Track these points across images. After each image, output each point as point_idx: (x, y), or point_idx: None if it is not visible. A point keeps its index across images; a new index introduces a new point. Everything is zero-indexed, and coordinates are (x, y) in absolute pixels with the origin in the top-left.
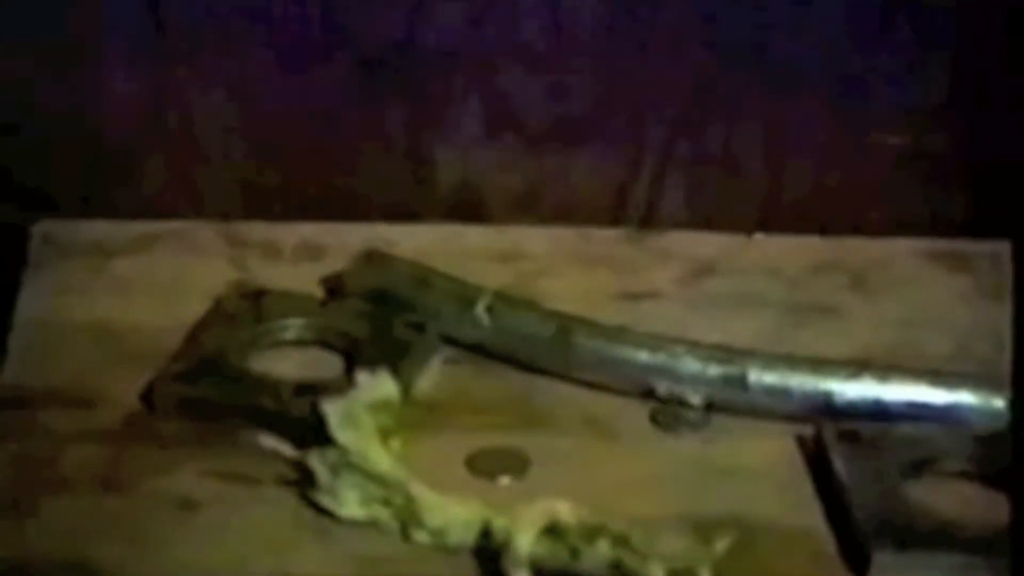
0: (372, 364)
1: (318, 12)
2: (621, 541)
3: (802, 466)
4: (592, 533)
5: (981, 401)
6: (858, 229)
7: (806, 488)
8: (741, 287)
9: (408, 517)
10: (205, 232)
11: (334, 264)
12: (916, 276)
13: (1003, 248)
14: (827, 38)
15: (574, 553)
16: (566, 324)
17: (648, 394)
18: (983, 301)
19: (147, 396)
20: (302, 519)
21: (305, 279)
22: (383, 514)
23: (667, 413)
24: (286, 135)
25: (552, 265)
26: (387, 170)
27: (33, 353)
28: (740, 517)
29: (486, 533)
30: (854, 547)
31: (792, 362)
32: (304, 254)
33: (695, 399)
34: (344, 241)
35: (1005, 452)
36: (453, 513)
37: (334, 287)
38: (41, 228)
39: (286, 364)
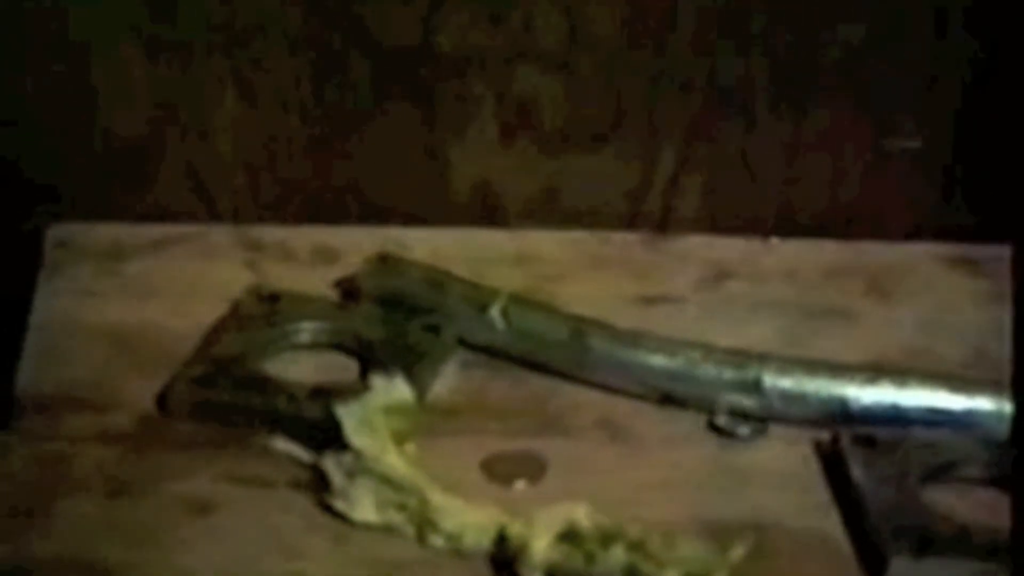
0: (387, 367)
1: (335, 14)
2: (637, 546)
3: (818, 471)
4: (608, 538)
5: (998, 406)
6: (875, 233)
7: (823, 493)
8: (757, 291)
9: (423, 521)
10: (220, 235)
11: (349, 267)
12: (933, 280)
13: None
14: (844, 41)
15: (590, 558)
16: (581, 327)
17: (665, 398)
18: (999, 306)
19: (162, 399)
20: (316, 523)
21: (320, 282)
22: (398, 518)
23: (728, 422)
24: (301, 137)
25: (568, 268)
26: (403, 173)
27: (48, 356)
28: (756, 522)
29: (501, 538)
30: (871, 552)
31: (808, 367)
32: (319, 257)
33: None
34: (359, 244)
35: None
36: (468, 517)
37: (349, 290)
38: (55, 231)
39: (301, 367)
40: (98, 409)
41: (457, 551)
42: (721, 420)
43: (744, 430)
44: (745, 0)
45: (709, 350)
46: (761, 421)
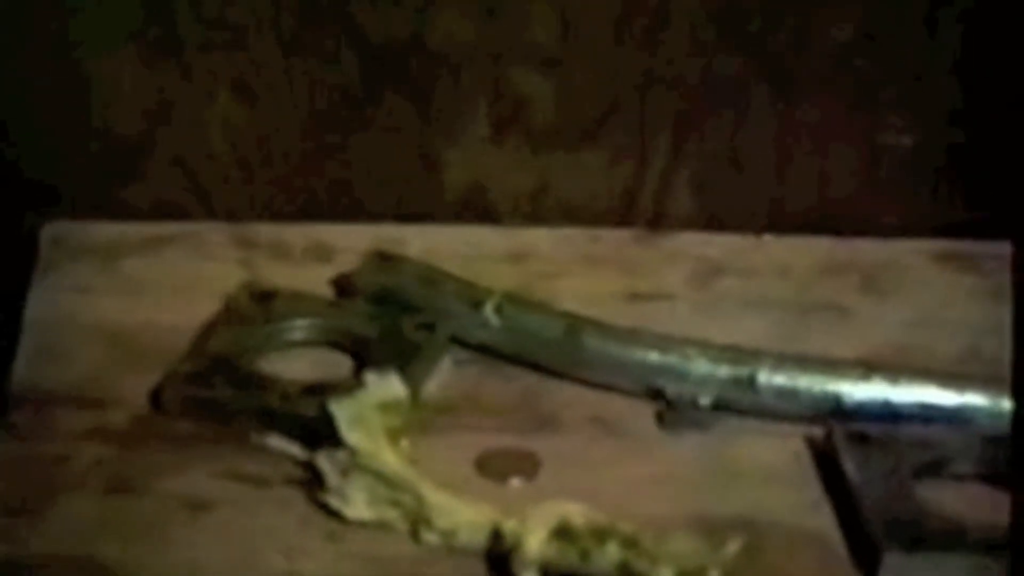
0: (381, 365)
1: (327, 11)
2: (631, 543)
3: (812, 467)
4: (602, 535)
5: (991, 402)
6: (868, 230)
7: (816, 489)
8: (750, 288)
9: (417, 518)
10: (214, 233)
11: (343, 265)
12: (926, 277)
13: None
14: (835, 37)
15: (583, 555)
16: (575, 325)
17: (657, 395)
18: (993, 302)
19: (156, 397)
20: (311, 520)
21: (314, 280)
22: (392, 515)
23: (673, 413)
24: (295, 135)
25: (561, 266)
26: (396, 170)
27: (43, 354)
28: (750, 518)
29: (495, 534)
30: (864, 548)
31: (802, 363)
32: (313, 255)
33: (704, 400)
34: (353, 242)
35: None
36: (462, 514)
37: (343, 288)
38: (50, 229)
39: (295, 365)
40: (93, 406)
41: (451, 548)
42: (666, 417)
43: (692, 427)
44: None
45: (703, 347)
46: (714, 409)
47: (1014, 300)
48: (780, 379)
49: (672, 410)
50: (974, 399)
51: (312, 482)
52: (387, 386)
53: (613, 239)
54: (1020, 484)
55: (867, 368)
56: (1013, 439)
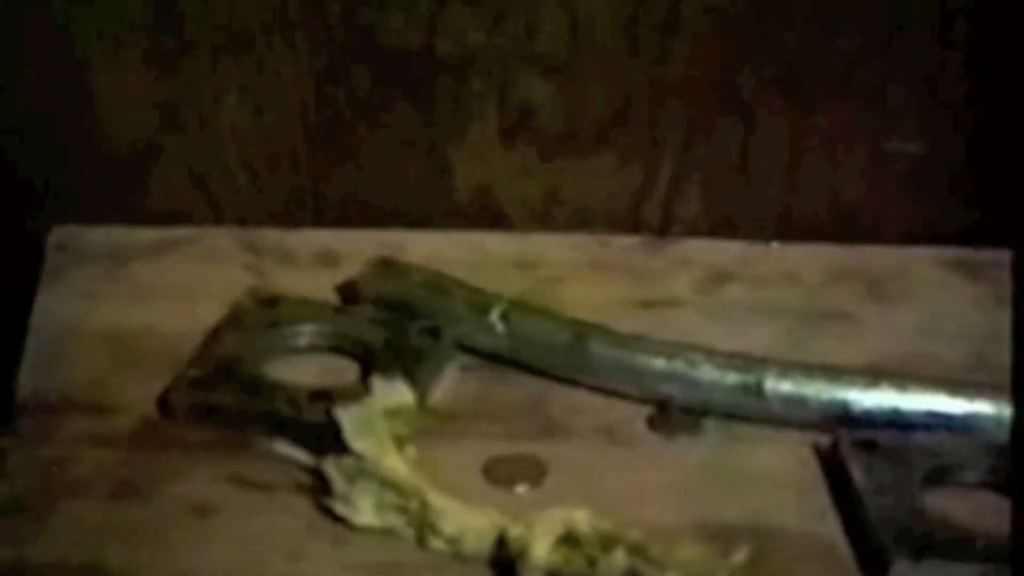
0: (387, 371)
1: (336, 17)
2: (638, 550)
3: (819, 474)
4: (608, 542)
5: (998, 410)
6: (875, 237)
7: (823, 497)
8: (758, 295)
9: (423, 525)
10: (221, 238)
11: (350, 271)
12: (933, 284)
13: None
14: (844, 44)
15: (590, 562)
16: (582, 331)
17: (663, 402)
18: (1000, 309)
19: (163, 402)
20: (317, 526)
21: (321, 286)
22: (398, 521)
23: (663, 418)
24: (302, 141)
25: (569, 272)
26: (404, 176)
27: (49, 359)
28: (757, 525)
29: (501, 541)
30: (871, 556)
31: (809, 370)
32: (320, 260)
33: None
34: (360, 248)
35: None
36: (469, 521)
37: (349, 294)
38: (57, 234)
39: (301, 370)
40: (99, 412)
41: (457, 555)
42: (655, 419)
43: (681, 432)
44: (747, 3)
45: (710, 354)
46: (700, 415)
47: (1013, 308)
48: (787, 386)
49: (662, 414)
50: (982, 407)
51: (318, 488)
52: (393, 392)
53: (621, 246)
54: (1020, 491)
55: (875, 376)
56: (1013, 446)
